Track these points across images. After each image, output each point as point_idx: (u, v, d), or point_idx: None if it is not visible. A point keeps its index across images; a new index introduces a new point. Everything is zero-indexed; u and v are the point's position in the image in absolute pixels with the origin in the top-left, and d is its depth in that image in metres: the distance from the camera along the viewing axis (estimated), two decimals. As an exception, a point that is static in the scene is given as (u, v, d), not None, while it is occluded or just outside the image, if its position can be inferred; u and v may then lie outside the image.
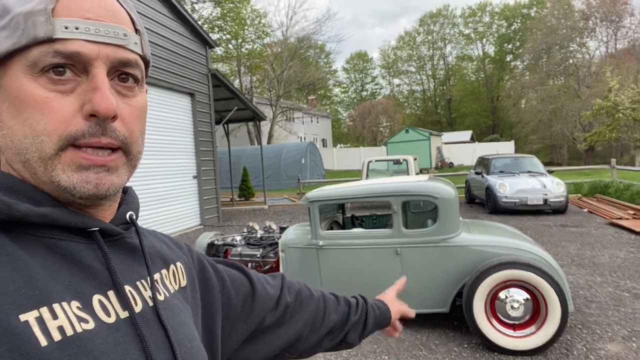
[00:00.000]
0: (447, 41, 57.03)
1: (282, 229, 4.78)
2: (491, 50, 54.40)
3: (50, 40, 0.47)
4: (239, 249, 4.76)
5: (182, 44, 10.38)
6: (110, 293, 0.51)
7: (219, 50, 26.55)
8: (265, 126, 26.88)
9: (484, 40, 54.63)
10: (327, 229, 4.42)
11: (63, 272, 0.48)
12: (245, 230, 5.13)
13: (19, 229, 0.48)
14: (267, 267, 4.59)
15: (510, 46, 52.10)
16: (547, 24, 35.95)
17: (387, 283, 4.03)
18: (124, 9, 0.55)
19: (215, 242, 4.89)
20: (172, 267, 0.66)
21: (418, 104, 61.03)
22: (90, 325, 0.47)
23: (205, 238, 4.86)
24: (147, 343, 0.51)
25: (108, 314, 0.50)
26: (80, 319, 0.46)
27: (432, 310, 3.92)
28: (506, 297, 3.57)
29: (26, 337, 0.41)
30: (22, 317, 0.42)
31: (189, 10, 23.48)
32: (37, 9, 0.48)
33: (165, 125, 9.72)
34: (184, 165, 10.43)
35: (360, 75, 62.95)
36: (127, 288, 0.54)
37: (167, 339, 0.54)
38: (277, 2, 54.65)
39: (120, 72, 0.53)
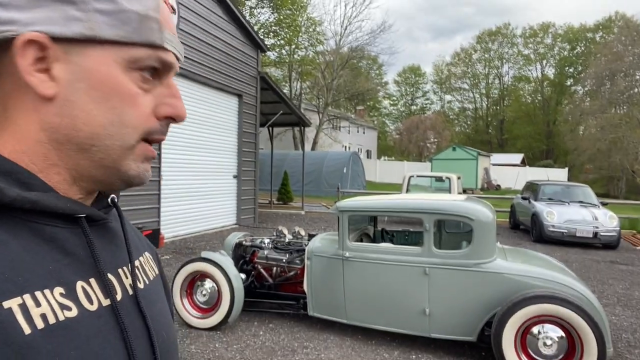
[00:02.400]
0: (504, 60, 55.61)
1: (311, 236, 4.72)
2: (551, 72, 52.48)
3: (156, 46, 0.52)
4: (266, 252, 4.73)
5: (234, 45, 10.60)
6: (92, 280, 0.51)
7: (272, 55, 27.02)
8: (310, 133, 27.04)
9: (544, 62, 52.82)
10: (356, 241, 4.31)
11: (47, 257, 0.47)
12: (274, 233, 5.10)
13: (3, 211, 0.46)
14: (291, 273, 4.54)
15: (571, 70, 50.11)
16: (612, 50, 34.23)
17: (412, 302, 3.90)
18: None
19: (244, 242, 4.89)
20: (145, 254, 0.67)
21: (468, 122, 59.72)
22: (73, 312, 0.47)
23: (234, 238, 4.87)
24: (128, 332, 0.52)
25: (91, 302, 0.50)
26: (63, 307, 0.46)
27: (458, 337, 3.72)
28: (539, 332, 3.34)
29: (10, 325, 0.41)
30: (6, 304, 0.41)
31: (247, 15, 24.13)
32: (152, 15, 0.52)
33: (212, 123, 9.94)
34: (226, 164, 10.60)
35: (411, 89, 62.40)
36: (110, 276, 0.54)
37: (146, 328, 0.56)
38: (333, 12, 54.89)
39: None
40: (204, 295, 4.26)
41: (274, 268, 4.63)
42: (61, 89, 0.49)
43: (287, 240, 4.93)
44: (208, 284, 4.25)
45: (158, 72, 0.54)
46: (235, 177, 10.94)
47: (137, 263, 0.62)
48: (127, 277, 0.57)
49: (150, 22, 0.51)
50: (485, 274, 3.64)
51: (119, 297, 0.54)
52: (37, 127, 0.49)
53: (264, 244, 4.83)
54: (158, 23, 0.52)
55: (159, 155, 8.19)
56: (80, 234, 0.52)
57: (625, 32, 34.14)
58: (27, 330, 0.42)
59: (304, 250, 4.57)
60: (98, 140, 0.50)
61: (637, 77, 33.44)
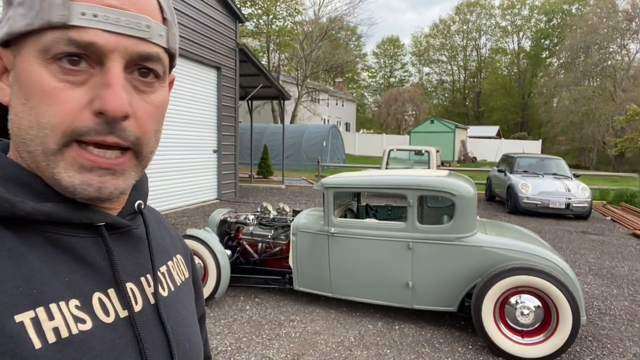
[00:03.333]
0: (482, 32, 55.62)
1: (296, 212, 4.76)
2: (527, 44, 52.85)
3: (65, 26, 0.43)
4: (251, 228, 4.76)
5: (212, 16, 10.31)
6: (111, 291, 0.50)
7: (249, 25, 26.37)
8: (289, 105, 26.77)
9: (521, 34, 53.09)
10: (341, 217, 4.37)
11: (64, 268, 0.47)
12: (258, 209, 5.12)
13: (21, 222, 0.46)
14: (277, 248, 4.59)
15: (547, 42, 50.52)
16: (587, 22, 34.63)
17: (395, 276, 4.00)
18: None
19: (228, 219, 4.90)
20: (175, 257, 0.66)
21: (446, 95, 60.00)
22: (88, 325, 0.46)
23: (219, 214, 4.88)
24: (144, 345, 0.50)
25: (107, 313, 0.49)
26: (77, 319, 0.45)
27: (439, 308, 3.86)
28: (517, 302, 3.49)
29: (20, 339, 0.40)
30: (18, 318, 0.41)
31: (223, -17, 23.31)
32: None
33: (190, 97, 9.74)
34: (205, 139, 10.47)
35: (390, 61, 62.06)
36: (129, 285, 0.53)
37: (166, 339, 0.54)
38: (311, -20, 53.58)
39: (140, 66, 0.49)
40: (190, 272, 4.28)
41: (259, 244, 4.67)
42: (11, 95, 0.48)
43: (271, 216, 4.96)
44: (194, 260, 4.26)
45: (91, 57, 0.45)
46: (215, 151, 10.83)
47: (163, 269, 0.60)
48: (149, 286, 0.56)
49: None
50: (466, 248, 3.76)
51: (139, 307, 0.53)
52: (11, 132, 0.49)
53: (249, 220, 4.85)
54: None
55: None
56: (100, 242, 0.51)
57: (600, 4, 34.47)
58: (37, 344, 0.41)
59: (289, 226, 4.61)
60: (27, 145, 0.46)
61: (611, 49, 34.03)
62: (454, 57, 57.42)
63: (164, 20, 0.51)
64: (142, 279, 0.56)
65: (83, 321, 0.46)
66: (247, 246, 4.68)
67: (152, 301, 0.55)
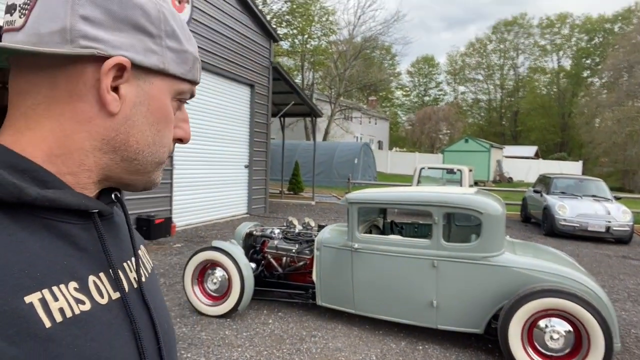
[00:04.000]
0: (520, 51, 54.66)
1: (321, 227, 4.76)
2: (567, 63, 51.52)
3: (194, 83, 0.61)
4: (276, 242, 4.79)
5: (247, 35, 10.60)
6: (102, 274, 0.53)
7: (284, 45, 26.94)
8: (322, 123, 27.00)
9: (561, 52, 51.84)
10: (366, 232, 4.34)
11: (61, 253, 0.49)
12: (284, 224, 5.16)
13: (20, 208, 0.48)
14: (301, 263, 4.59)
15: (588, 61, 49.11)
16: (631, 41, 33.48)
17: (419, 294, 3.93)
18: None
19: (254, 232, 4.95)
20: (142, 247, 0.69)
21: (482, 114, 58.99)
22: (87, 306, 0.49)
23: (245, 228, 4.94)
24: (137, 324, 0.54)
25: (102, 295, 0.51)
26: (78, 301, 0.48)
27: (465, 329, 3.75)
28: (546, 326, 3.35)
29: (32, 319, 0.43)
30: (27, 299, 0.43)
31: (260, 4, 24.00)
32: (198, 57, 0.62)
33: (224, 114, 9.99)
34: (238, 154, 10.67)
35: (425, 80, 61.74)
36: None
37: (151, 320, 0.58)
38: (346, 1, 54.59)
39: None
40: (215, 283, 4.34)
41: (284, 258, 4.69)
42: (124, 108, 0.53)
43: (296, 230, 4.98)
44: (219, 272, 4.32)
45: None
46: (246, 166, 11.01)
47: (140, 255, 0.64)
48: (131, 271, 0.59)
49: (197, 63, 0.61)
50: (493, 267, 3.65)
51: (126, 290, 0.56)
52: (84, 136, 0.52)
53: (274, 234, 4.89)
54: (198, 64, 0.61)
55: (172, 144, 8.26)
56: (90, 229, 0.54)
57: (645, 23, 33.32)
58: (47, 323, 0.44)
59: (313, 240, 4.61)
60: (142, 155, 0.56)
61: (657, 69, 32.71)
62: (491, 76, 56.58)
63: None
64: (125, 264, 0.59)
65: (83, 302, 0.48)
66: (271, 260, 4.71)
67: (135, 285, 0.59)
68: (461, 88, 60.08)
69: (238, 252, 4.32)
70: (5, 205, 0.47)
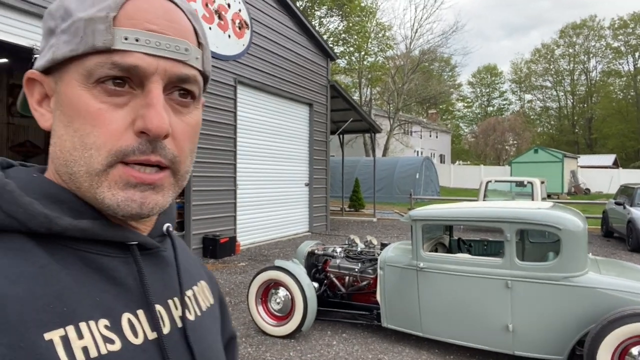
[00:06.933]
0: (591, 54, 51.57)
1: (383, 245, 4.63)
2: (645, 65, 47.81)
3: (108, 50, 0.46)
4: (338, 261, 4.71)
5: (305, 56, 10.79)
6: (140, 312, 0.50)
7: (341, 63, 27.18)
8: (381, 138, 26.78)
9: (637, 54, 48.24)
10: (431, 251, 4.16)
11: (95, 287, 0.47)
12: (346, 242, 5.08)
13: (55, 240, 0.47)
14: (364, 282, 4.48)
15: (670, 61, 45.30)
16: None
17: (493, 317, 3.67)
18: (190, 20, 0.52)
19: (316, 251, 4.91)
20: (200, 283, 0.65)
21: (552, 122, 56.07)
22: (117, 346, 0.45)
23: (307, 246, 4.91)
24: None
25: (136, 335, 0.48)
26: (107, 339, 0.45)
27: (545, 356, 3.45)
28: (639, 354, 2.99)
29: (49, 357, 0.40)
30: (47, 336, 0.41)
31: (317, 25, 24.52)
32: (98, 15, 0.46)
33: (283, 133, 10.17)
34: (298, 173, 10.78)
35: (487, 90, 59.81)
36: (158, 307, 0.52)
37: None
38: (402, 16, 54.32)
39: (178, 88, 0.50)
40: (278, 303, 4.32)
41: (347, 277, 4.60)
42: (53, 119, 0.50)
43: (359, 249, 4.88)
44: (282, 292, 4.31)
45: (133, 80, 0.47)
46: (307, 185, 11.09)
47: (190, 293, 0.60)
48: (177, 309, 0.55)
49: (94, 24, 0.46)
50: (575, 289, 3.34)
51: (166, 329, 0.52)
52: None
53: (336, 252, 4.82)
54: (106, 22, 0.45)
55: (234, 165, 8.51)
56: (131, 262, 0.51)
57: None
58: None
59: (376, 259, 4.49)
60: (69, 167, 0.48)
61: None
62: (560, 82, 53.77)
63: (199, 44, 0.52)
64: (170, 301, 0.55)
65: (112, 341, 0.45)
66: (334, 279, 4.63)
67: (180, 325, 0.54)
68: (528, 96, 57.62)
69: (300, 271, 4.28)
70: (40, 237, 0.45)
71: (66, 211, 0.48)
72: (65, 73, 0.48)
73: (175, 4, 0.50)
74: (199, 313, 0.59)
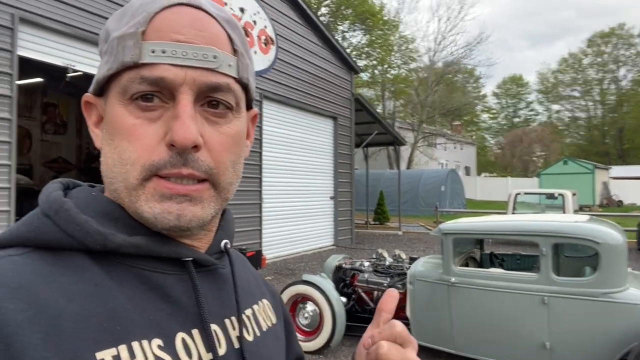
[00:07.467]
0: (621, 63, 50.29)
1: (412, 260, 4.56)
2: (679, 72, 46.32)
3: (137, 65, 0.46)
4: (366, 275, 4.66)
5: (328, 70, 10.87)
6: (195, 332, 0.49)
7: (364, 76, 27.27)
8: (405, 151, 26.62)
9: (670, 60, 46.84)
10: (462, 265, 4.07)
11: (149, 305, 0.47)
12: (373, 256, 5.02)
13: (112, 257, 0.47)
14: (393, 297, 4.40)
15: None
16: None
17: (529, 334, 3.54)
18: (222, 28, 0.51)
19: (343, 265, 4.87)
20: (262, 302, 0.63)
21: (581, 133, 54.64)
22: None
23: (334, 260, 4.88)
24: None
25: (190, 355, 0.47)
26: None
27: (585, 376, 3.30)
28: (691, 377, 2.83)
29: None
30: (99, 355, 0.41)
31: (340, 39, 24.71)
32: (128, 32, 0.47)
33: (308, 146, 10.21)
34: (323, 186, 10.78)
35: (513, 101, 58.88)
36: (214, 327, 0.51)
37: None
38: (425, 28, 54.47)
39: (210, 98, 0.49)
40: (307, 318, 4.29)
41: (375, 292, 4.54)
42: (102, 138, 0.51)
43: (387, 263, 4.82)
44: (310, 306, 4.27)
45: (163, 93, 0.47)
46: (332, 198, 11.07)
47: (249, 312, 0.58)
48: (234, 329, 0.54)
49: (125, 41, 0.46)
50: (616, 305, 3.21)
51: (223, 350, 0.50)
52: None
53: (364, 267, 4.76)
54: (135, 38, 0.46)
55: (259, 179, 8.57)
56: (186, 280, 0.50)
57: None
58: None
59: (405, 274, 4.42)
60: (112, 183, 0.49)
61: None
62: (589, 92, 52.51)
63: (235, 51, 0.51)
64: (227, 321, 0.53)
65: None
66: (362, 294, 4.57)
67: (237, 345, 0.53)
68: (555, 107, 56.39)
69: (329, 286, 4.25)
70: (96, 254, 0.46)
71: (121, 228, 0.48)
72: (109, 93, 0.49)
73: (207, 12, 0.50)
74: (258, 333, 0.58)
